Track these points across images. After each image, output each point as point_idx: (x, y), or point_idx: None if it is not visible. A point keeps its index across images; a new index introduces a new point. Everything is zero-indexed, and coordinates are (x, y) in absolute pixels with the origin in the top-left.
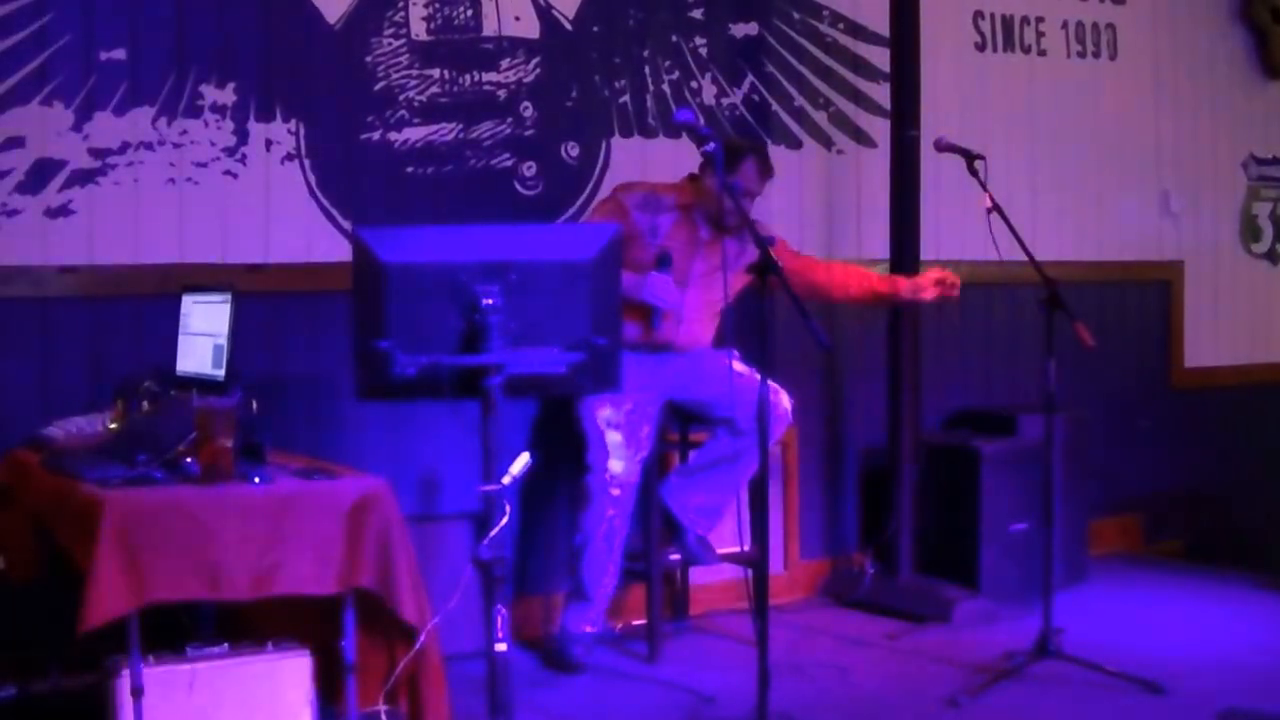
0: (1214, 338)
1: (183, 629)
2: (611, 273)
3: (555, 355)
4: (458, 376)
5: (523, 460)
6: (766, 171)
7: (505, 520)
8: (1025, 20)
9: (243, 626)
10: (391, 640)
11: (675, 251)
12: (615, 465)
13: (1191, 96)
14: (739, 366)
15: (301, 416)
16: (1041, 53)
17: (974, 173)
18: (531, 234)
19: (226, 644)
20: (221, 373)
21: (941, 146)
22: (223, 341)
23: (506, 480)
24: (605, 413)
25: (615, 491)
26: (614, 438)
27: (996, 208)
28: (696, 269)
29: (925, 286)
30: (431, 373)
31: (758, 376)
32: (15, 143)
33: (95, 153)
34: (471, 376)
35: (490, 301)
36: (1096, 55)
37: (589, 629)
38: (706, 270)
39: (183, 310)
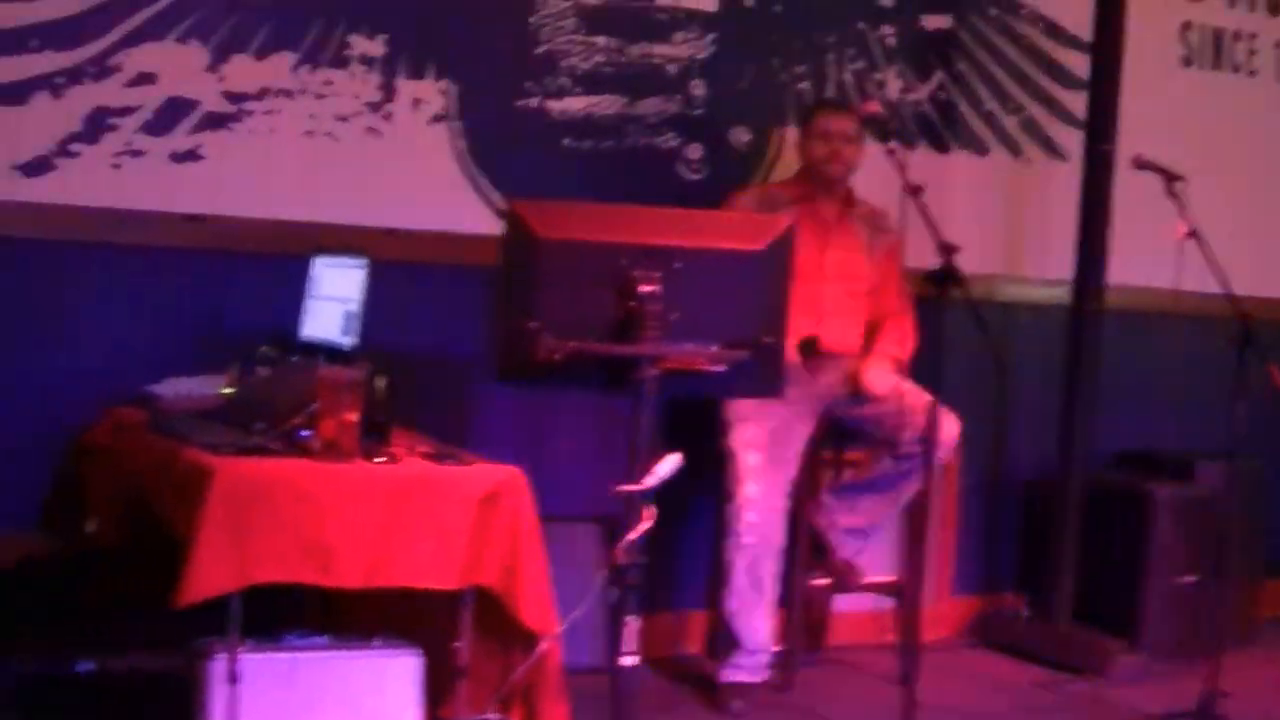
0: None
1: (276, 614)
2: (782, 267)
3: (716, 352)
4: (608, 366)
5: (671, 461)
6: (835, 107)
7: (647, 524)
8: (1236, 36)
9: (343, 615)
10: (508, 645)
11: (804, 244)
12: (750, 490)
13: None
14: (906, 384)
15: (427, 395)
16: (1251, 73)
17: (1173, 195)
18: (699, 220)
19: (329, 635)
20: (351, 341)
21: (1140, 164)
22: (354, 308)
23: (652, 481)
24: (745, 431)
25: (750, 517)
26: (751, 459)
27: (1194, 233)
28: (830, 259)
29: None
30: (579, 360)
31: (924, 395)
32: (145, 79)
33: (230, 97)
34: (623, 367)
35: (650, 289)
36: None
37: (749, 679)
38: (841, 257)
39: (313, 272)
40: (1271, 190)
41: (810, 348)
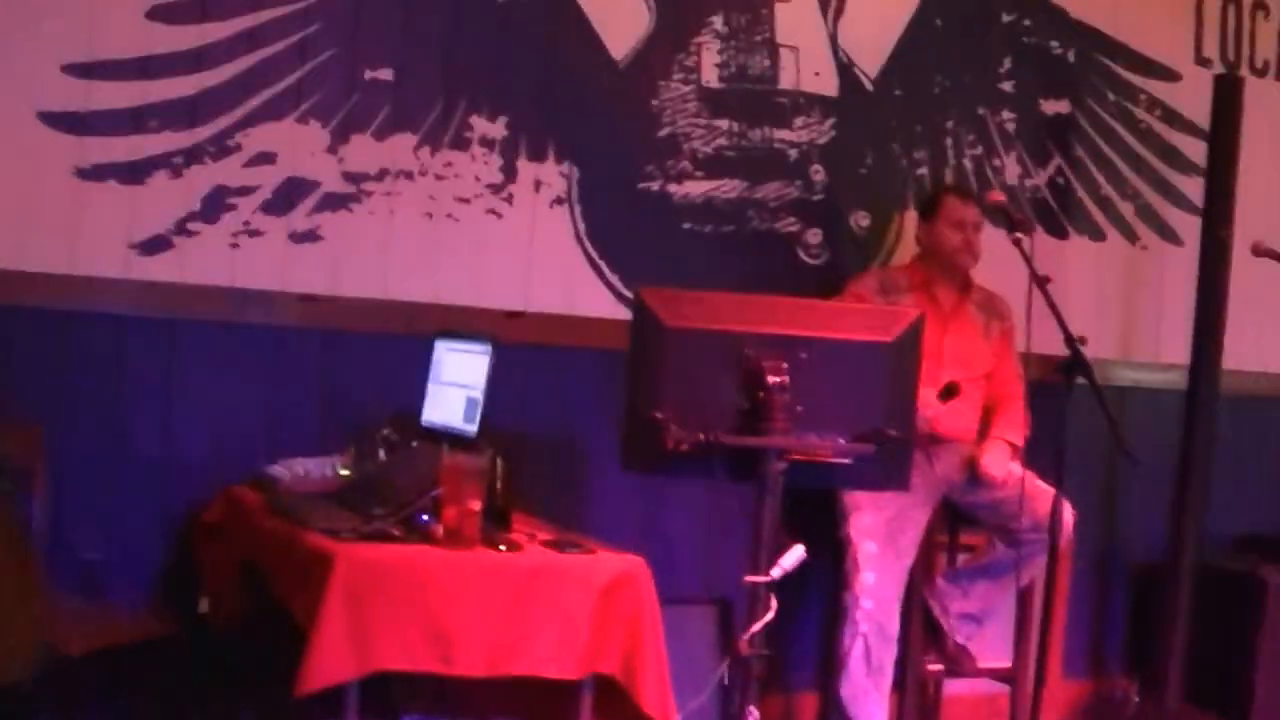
0: None
1: (392, 692)
2: (911, 360)
3: (843, 446)
4: (734, 456)
5: (796, 553)
6: (965, 195)
7: (771, 616)
8: None
9: (459, 694)
10: None
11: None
12: (867, 578)
13: None
14: (1023, 470)
15: (545, 479)
16: None
17: None
18: (825, 310)
19: (445, 717)
20: (474, 428)
21: (1260, 251)
22: (478, 395)
23: (777, 573)
24: (862, 520)
25: (867, 605)
26: (868, 548)
27: None
28: (948, 344)
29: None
30: (706, 451)
31: (1040, 483)
32: (265, 159)
33: (350, 177)
34: (749, 458)
35: (778, 380)
36: None
37: None
38: (959, 343)
39: (435, 356)
40: None
41: (951, 392)
